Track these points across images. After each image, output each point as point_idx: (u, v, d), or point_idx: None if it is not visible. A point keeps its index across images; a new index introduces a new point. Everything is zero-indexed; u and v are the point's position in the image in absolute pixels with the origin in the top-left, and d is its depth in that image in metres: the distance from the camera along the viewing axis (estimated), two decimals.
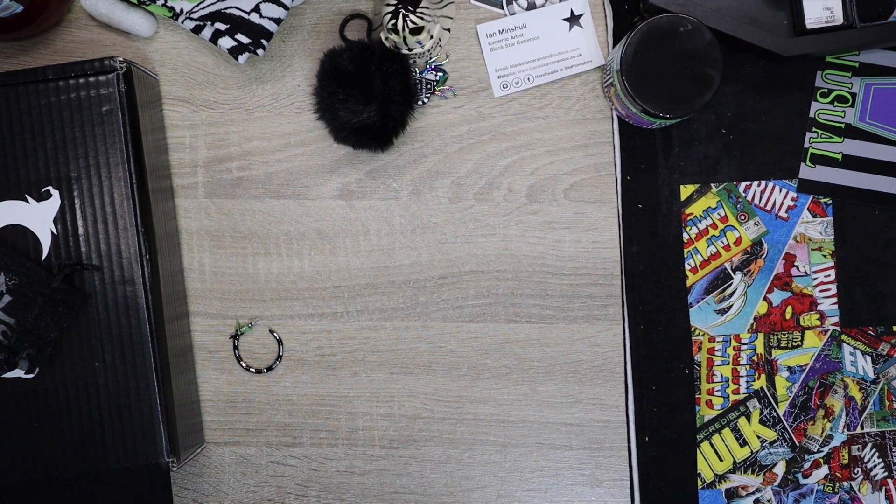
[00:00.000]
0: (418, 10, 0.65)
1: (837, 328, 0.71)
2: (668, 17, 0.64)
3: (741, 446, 0.71)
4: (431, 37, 0.68)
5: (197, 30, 0.68)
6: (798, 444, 0.71)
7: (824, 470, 0.71)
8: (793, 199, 0.72)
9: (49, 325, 0.62)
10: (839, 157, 0.71)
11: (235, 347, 0.71)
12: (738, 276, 0.72)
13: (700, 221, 0.72)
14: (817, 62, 0.72)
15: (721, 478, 0.71)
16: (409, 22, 0.65)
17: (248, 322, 0.71)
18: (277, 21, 0.68)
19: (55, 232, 0.63)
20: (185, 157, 0.72)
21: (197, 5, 0.68)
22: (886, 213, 0.71)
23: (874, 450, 0.71)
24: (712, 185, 0.72)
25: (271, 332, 0.71)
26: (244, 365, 0.71)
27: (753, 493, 0.71)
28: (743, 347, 0.71)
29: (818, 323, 0.71)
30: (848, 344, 0.71)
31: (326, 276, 0.72)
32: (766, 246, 0.72)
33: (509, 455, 0.71)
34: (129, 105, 0.64)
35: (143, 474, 0.63)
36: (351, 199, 0.72)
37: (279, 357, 0.71)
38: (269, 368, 0.71)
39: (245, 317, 0.72)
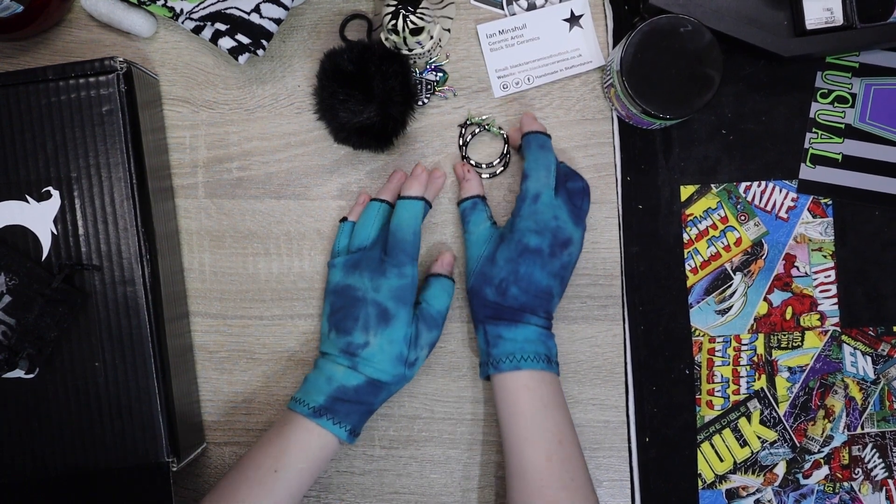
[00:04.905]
0: (418, 10, 0.65)
1: (838, 329, 0.71)
2: (668, 17, 0.64)
3: (742, 447, 0.71)
4: (431, 37, 0.68)
5: (197, 30, 0.68)
6: (798, 445, 0.71)
7: (825, 470, 0.71)
8: (793, 200, 0.72)
9: (49, 325, 0.62)
10: (839, 157, 0.71)
11: (464, 145, 0.70)
12: (738, 277, 0.71)
13: (700, 222, 0.72)
14: (817, 62, 0.72)
15: (721, 478, 0.71)
16: (409, 22, 0.65)
17: (484, 119, 0.71)
18: (277, 21, 0.68)
19: (55, 232, 0.63)
20: (185, 157, 0.72)
21: (197, 5, 0.68)
22: (886, 214, 0.71)
23: (875, 450, 0.71)
24: (712, 185, 0.72)
25: (499, 129, 0.71)
26: (473, 162, 0.71)
27: (754, 493, 0.71)
28: (743, 348, 0.71)
29: (818, 323, 0.71)
30: (848, 344, 0.71)
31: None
32: (766, 246, 0.72)
33: None
34: (129, 105, 0.64)
35: (143, 474, 0.63)
36: (351, 200, 0.72)
37: (505, 156, 0.70)
38: (506, 166, 0.71)
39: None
